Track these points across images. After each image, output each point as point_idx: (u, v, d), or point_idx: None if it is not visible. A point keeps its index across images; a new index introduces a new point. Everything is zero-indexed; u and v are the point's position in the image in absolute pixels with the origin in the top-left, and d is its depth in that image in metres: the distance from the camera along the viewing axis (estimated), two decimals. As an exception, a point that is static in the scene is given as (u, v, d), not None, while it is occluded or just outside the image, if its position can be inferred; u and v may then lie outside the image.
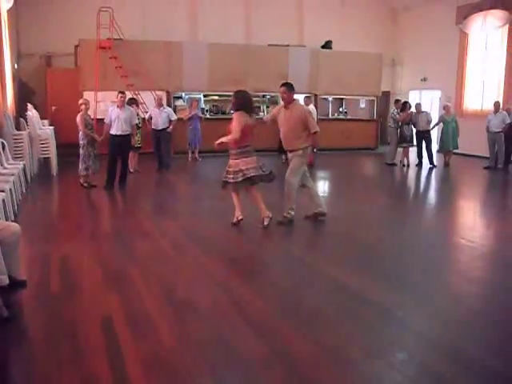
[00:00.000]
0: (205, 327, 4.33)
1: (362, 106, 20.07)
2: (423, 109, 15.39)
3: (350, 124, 19.26)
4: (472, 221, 9.29)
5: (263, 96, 18.67)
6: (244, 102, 7.33)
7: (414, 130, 14.96)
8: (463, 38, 18.24)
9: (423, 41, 19.60)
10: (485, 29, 17.14)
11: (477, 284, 5.59)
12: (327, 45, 19.42)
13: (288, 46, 18.52)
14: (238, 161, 7.28)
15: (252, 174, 7.23)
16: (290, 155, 7.85)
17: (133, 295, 4.98)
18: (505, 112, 14.59)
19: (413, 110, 14.95)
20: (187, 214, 8.81)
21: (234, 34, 18.30)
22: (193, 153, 15.41)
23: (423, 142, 14.95)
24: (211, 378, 3.54)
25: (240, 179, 7.22)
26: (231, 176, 7.30)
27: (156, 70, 16.18)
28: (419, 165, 15.00)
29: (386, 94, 20.85)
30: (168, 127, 13.13)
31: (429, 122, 14.88)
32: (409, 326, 4.43)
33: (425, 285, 5.49)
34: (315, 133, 7.53)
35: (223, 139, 7.37)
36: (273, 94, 18.43)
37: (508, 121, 14.42)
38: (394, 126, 14.92)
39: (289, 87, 7.57)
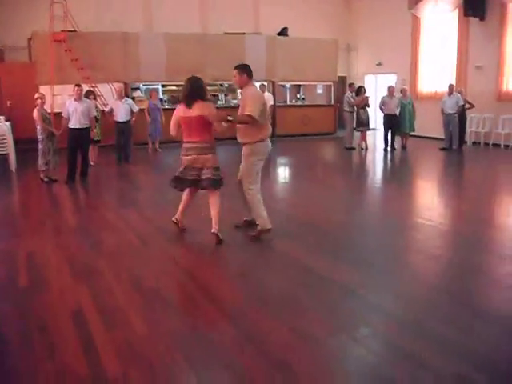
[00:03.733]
0: (175, 315, 4.43)
1: (320, 91, 20.27)
2: (384, 93, 15.70)
3: (308, 110, 19.45)
4: (430, 200, 9.55)
5: (221, 85, 18.73)
6: (183, 93, 6.53)
7: (382, 114, 15.31)
8: (416, 23, 18.59)
9: (377, 26, 19.90)
10: (436, 13, 17.51)
11: (435, 261, 5.81)
12: (283, 32, 19.52)
13: (244, 33, 18.57)
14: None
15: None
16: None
17: (102, 287, 5.04)
18: (458, 94, 14.97)
19: (376, 94, 15.21)
20: (151, 206, 8.83)
21: (189, 23, 18.25)
22: (153, 144, 15.38)
23: (391, 125, 15.21)
24: (185, 363, 3.64)
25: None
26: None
27: (112, 62, 16.07)
28: (386, 149, 15.23)
29: (343, 79, 21.09)
30: (131, 119, 13.05)
31: (398, 106, 15.20)
32: (371, 304, 4.60)
33: (385, 264, 5.69)
34: (248, 115, 6.22)
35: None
36: (230, 83, 18.45)
37: (461, 103, 14.83)
38: (349, 110, 15.20)
39: (240, 69, 6.54)
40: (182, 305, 4.65)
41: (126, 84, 16.67)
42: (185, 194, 6.81)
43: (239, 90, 16.32)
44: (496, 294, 4.93)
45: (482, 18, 16.03)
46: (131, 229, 7.20)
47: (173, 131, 6.58)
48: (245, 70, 6.52)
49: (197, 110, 6.27)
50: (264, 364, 3.61)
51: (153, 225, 7.45)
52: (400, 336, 3.96)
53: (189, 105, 6.32)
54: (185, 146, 6.49)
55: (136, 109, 13.29)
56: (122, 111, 12.87)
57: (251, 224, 6.83)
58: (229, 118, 6.29)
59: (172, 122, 6.56)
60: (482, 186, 10.39)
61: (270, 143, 6.60)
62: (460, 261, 5.85)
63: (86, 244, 6.53)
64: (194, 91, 6.34)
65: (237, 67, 6.58)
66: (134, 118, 13.09)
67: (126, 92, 16.49)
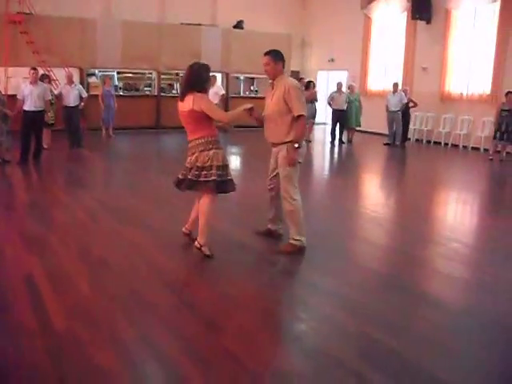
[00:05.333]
0: (119, 282, 4.86)
1: (273, 84, 20.74)
2: (334, 88, 16.35)
3: (261, 102, 19.81)
4: (373, 192, 10.20)
5: (176, 74, 19.06)
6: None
7: (330, 109, 16.00)
8: (367, 22, 19.30)
9: (331, 23, 20.53)
10: (386, 14, 18.25)
11: (371, 247, 6.33)
12: (239, 25, 19.98)
13: (200, 25, 18.92)
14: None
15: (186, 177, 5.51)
16: (274, 151, 5.80)
17: (52, 256, 5.43)
18: (402, 92, 15.74)
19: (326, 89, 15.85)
20: (102, 187, 9.22)
21: (147, 12, 18.48)
22: (107, 129, 15.63)
23: (339, 120, 15.90)
24: (127, 322, 4.06)
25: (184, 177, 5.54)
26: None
27: (69, 47, 16.17)
28: (333, 142, 15.91)
29: (296, 74, 21.63)
30: (79, 104, 13.26)
31: (346, 101, 15.87)
32: (309, 283, 5.08)
33: (325, 248, 6.09)
34: (300, 116, 5.41)
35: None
36: (186, 72, 18.84)
37: (405, 101, 15.61)
38: (299, 103, 15.76)
39: (274, 56, 5.52)
40: (127, 273, 5.05)
41: (81, 69, 16.84)
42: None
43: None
44: (421, 273, 5.50)
45: (428, 22, 16.82)
46: (82, 208, 7.55)
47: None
48: (281, 57, 5.58)
49: (187, 103, 5.30)
50: (197, 324, 4.08)
51: (103, 204, 7.80)
52: (336, 312, 4.44)
53: (181, 98, 5.39)
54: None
55: (85, 94, 13.47)
56: (71, 96, 12.98)
57: (272, 234, 6.16)
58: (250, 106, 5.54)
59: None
60: (419, 180, 11.11)
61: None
62: (393, 246, 6.49)
63: (38, 219, 6.86)
64: (190, 81, 5.37)
65: (270, 53, 5.54)
66: (82, 103, 13.27)
67: (82, 78, 16.67)
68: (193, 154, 5.38)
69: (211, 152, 5.32)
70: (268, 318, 4.30)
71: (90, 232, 6.44)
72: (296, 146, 5.39)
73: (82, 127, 13.82)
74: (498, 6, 14.83)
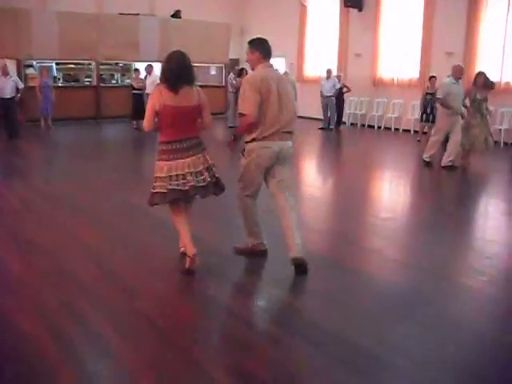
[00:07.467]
0: (47, 259, 5.20)
1: (213, 73, 21.11)
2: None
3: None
4: (308, 175, 10.62)
5: (116, 64, 19.14)
6: (165, 71, 4.85)
7: None
8: (303, 11, 19.76)
9: (268, 12, 20.90)
10: (320, 2, 18.78)
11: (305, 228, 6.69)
12: (176, 14, 20.13)
13: (138, 14, 19.01)
14: (169, 162, 4.73)
15: (189, 186, 4.76)
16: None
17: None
18: (336, 78, 16.32)
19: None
20: (38, 176, 9.40)
21: (84, 2, 18.39)
22: (46, 120, 15.67)
23: None
24: (53, 294, 4.40)
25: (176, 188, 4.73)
26: (159, 184, 4.77)
27: (3, 38, 16.03)
28: None
29: (236, 62, 22.00)
30: (16, 96, 13.29)
31: None
32: (228, 256, 5.38)
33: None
34: (241, 115, 4.91)
35: None
36: (125, 62, 18.96)
37: (338, 86, 16.18)
38: (232, 91, 16.21)
39: (251, 45, 5.00)
40: (54, 252, 5.36)
41: (18, 61, 16.71)
42: (179, 216, 4.98)
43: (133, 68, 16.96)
44: (350, 250, 5.76)
45: (360, 9, 17.42)
46: (16, 195, 7.78)
47: (150, 126, 4.78)
48: (258, 46, 4.98)
49: (192, 97, 4.77)
50: (118, 292, 4.47)
51: (38, 192, 8.04)
52: (245, 277, 4.94)
53: (177, 91, 4.68)
54: (177, 146, 4.75)
55: (21, 85, 13.52)
56: (6, 88, 13.02)
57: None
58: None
59: (149, 113, 4.72)
60: (353, 162, 11.71)
61: (276, 146, 4.87)
62: (326, 227, 6.86)
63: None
64: (187, 72, 4.79)
65: (249, 42, 5.06)
66: (19, 95, 13.32)
67: (19, 69, 16.57)
68: (202, 152, 4.95)
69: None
70: (185, 286, 4.71)
71: (22, 216, 6.70)
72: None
73: (20, 118, 13.85)
74: (424, -7, 15.51)
